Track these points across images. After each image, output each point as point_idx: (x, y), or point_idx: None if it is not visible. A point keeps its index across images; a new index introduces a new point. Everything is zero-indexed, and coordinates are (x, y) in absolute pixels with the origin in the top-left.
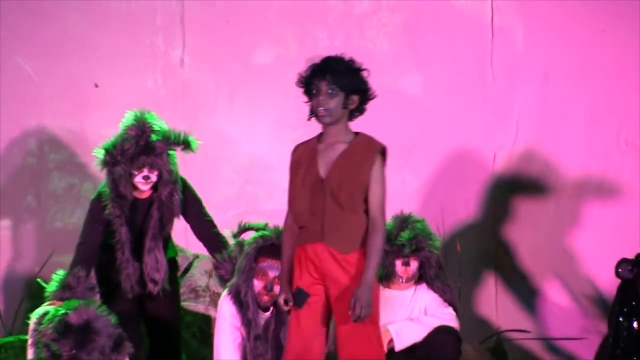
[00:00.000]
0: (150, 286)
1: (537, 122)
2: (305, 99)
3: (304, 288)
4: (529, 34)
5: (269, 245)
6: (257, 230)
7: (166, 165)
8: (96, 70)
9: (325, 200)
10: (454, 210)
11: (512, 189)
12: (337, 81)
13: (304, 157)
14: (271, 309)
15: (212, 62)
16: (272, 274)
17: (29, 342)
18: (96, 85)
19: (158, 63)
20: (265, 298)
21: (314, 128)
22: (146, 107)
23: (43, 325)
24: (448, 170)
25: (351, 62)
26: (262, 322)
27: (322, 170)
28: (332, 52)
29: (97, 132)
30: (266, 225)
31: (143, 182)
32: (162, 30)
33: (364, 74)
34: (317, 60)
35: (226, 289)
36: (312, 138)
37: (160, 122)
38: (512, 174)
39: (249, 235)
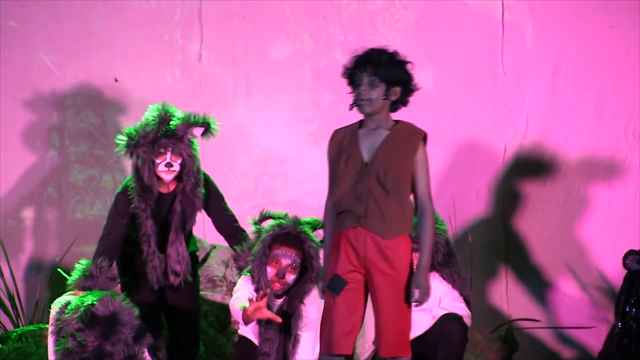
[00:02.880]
0: (172, 278)
1: (546, 115)
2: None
3: (341, 275)
4: (539, 30)
5: (285, 234)
6: (276, 219)
7: (188, 149)
8: (116, 65)
9: (369, 185)
10: (465, 202)
11: (522, 180)
12: (378, 72)
13: (345, 141)
14: (284, 297)
15: (229, 56)
16: (285, 261)
17: (50, 330)
18: (116, 80)
19: (176, 58)
20: (277, 285)
21: (329, 121)
22: (165, 101)
23: (67, 315)
24: (460, 162)
25: (394, 54)
26: (274, 308)
27: (366, 154)
28: (346, 48)
29: (117, 125)
30: (286, 215)
31: (166, 171)
32: (181, 26)
33: (408, 66)
34: (360, 52)
35: (247, 273)
36: (353, 124)
37: (181, 113)
38: (522, 166)
39: (268, 224)
